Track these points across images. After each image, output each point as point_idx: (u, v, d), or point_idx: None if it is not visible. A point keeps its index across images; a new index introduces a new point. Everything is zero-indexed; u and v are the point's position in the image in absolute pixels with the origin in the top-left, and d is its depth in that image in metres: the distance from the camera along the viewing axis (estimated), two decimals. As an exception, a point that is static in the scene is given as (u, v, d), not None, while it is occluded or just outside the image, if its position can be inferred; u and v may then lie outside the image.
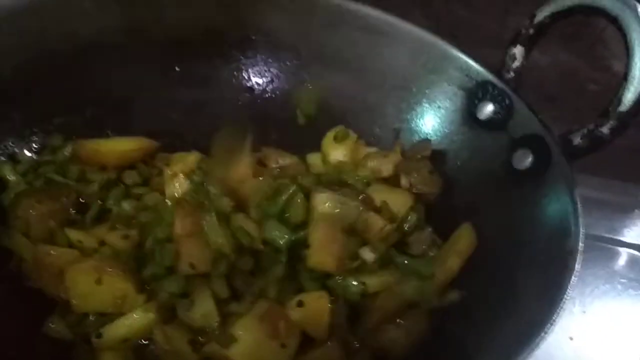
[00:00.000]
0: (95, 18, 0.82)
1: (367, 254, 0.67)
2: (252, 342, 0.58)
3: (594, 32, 1.42)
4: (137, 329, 0.62)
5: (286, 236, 0.65)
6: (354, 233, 0.68)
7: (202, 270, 0.63)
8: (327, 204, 0.66)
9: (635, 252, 1.02)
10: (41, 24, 0.78)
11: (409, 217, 0.73)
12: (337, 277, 0.66)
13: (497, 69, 0.79)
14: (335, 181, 0.75)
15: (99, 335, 0.61)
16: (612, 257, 1.01)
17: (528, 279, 0.63)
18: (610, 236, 1.04)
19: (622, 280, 0.98)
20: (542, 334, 0.53)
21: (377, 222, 0.69)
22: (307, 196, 0.68)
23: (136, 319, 0.62)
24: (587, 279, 0.96)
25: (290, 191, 0.67)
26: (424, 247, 0.71)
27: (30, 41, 0.77)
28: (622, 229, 1.06)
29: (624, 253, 1.02)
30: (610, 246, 1.02)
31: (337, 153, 0.84)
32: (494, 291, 0.66)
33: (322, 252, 0.64)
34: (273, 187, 0.68)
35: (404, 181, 0.78)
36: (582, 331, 0.89)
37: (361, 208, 0.68)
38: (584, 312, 0.92)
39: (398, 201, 0.73)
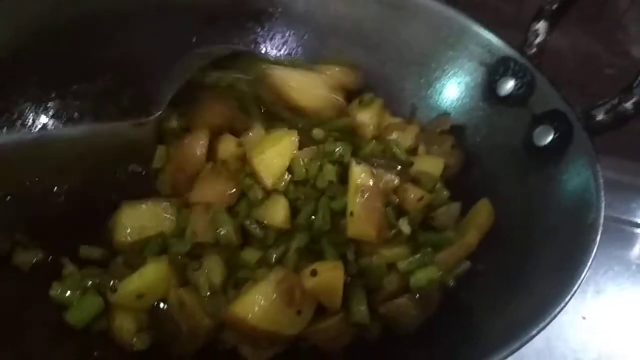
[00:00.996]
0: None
1: (405, 226, 0.66)
2: (268, 307, 0.58)
3: (613, 16, 1.40)
4: (149, 283, 0.62)
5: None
6: (392, 204, 0.68)
7: (205, 240, 0.64)
8: (363, 175, 0.65)
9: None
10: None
11: (443, 191, 0.72)
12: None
13: (519, 45, 0.78)
14: (377, 152, 0.74)
15: (114, 289, 0.62)
16: (627, 239, 1.00)
17: (547, 254, 0.62)
18: (627, 218, 1.02)
19: (638, 262, 0.97)
20: (558, 309, 0.53)
21: (414, 193, 0.68)
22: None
23: (149, 272, 0.62)
24: (602, 260, 0.96)
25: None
26: (450, 220, 0.70)
27: (47, 9, 0.76)
28: (638, 211, 1.04)
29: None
30: (626, 228, 1.01)
31: (362, 115, 0.82)
32: (511, 265, 0.66)
33: (363, 222, 0.63)
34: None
35: (421, 151, 0.77)
36: (595, 311, 0.89)
37: (397, 181, 0.67)
38: (598, 292, 0.92)
39: (432, 169, 0.73)
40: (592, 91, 1.28)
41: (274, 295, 0.59)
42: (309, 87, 0.77)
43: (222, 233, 0.64)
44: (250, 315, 0.58)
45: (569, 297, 0.52)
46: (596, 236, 0.56)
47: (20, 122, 0.74)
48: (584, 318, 0.87)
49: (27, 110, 0.75)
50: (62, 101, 0.78)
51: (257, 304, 0.58)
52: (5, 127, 0.72)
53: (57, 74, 0.77)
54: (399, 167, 0.70)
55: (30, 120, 0.75)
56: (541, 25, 0.77)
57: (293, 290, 0.59)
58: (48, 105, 0.76)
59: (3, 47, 0.72)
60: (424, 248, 0.66)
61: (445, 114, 0.83)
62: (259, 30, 0.91)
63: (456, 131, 0.82)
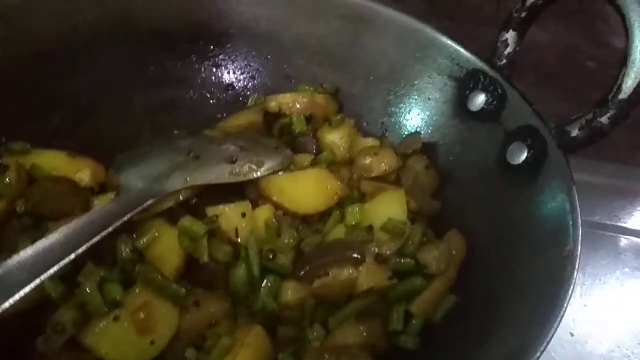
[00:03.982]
0: (62, 17, 0.78)
1: None
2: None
3: (593, 8, 1.38)
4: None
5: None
6: None
7: None
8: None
9: (638, 239, 0.98)
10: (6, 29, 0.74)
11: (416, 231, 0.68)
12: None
13: (489, 57, 0.74)
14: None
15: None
16: (613, 245, 0.97)
17: (526, 280, 0.59)
18: (611, 223, 0.99)
19: (625, 270, 0.94)
20: (543, 339, 0.50)
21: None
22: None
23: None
24: (587, 270, 0.92)
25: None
26: (440, 265, 0.66)
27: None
28: (624, 215, 1.01)
29: (626, 240, 0.98)
30: (610, 234, 0.98)
31: (332, 136, 0.80)
32: (490, 295, 0.63)
33: None
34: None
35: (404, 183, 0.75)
36: (584, 326, 0.85)
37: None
38: (585, 305, 0.89)
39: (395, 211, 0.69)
40: (573, 86, 1.25)
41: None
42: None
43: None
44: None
45: (546, 341, 0.48)
46: (573, 270, 0.53)
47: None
48: (571, 334, 0.84)
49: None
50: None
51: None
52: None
53: (3, 117, 0.73)
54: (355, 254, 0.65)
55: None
56: (510, 35, 0.73)
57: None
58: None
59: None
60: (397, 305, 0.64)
61: (416, 133, 0.80)
62: (220, 52, 0.87)
63: (428, 150, 0.78)
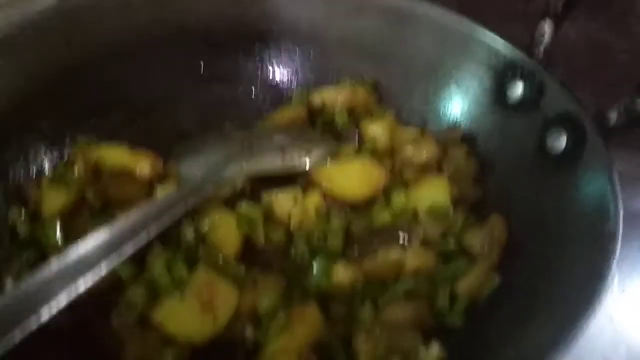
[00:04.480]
0: (116, 20, 0.83)
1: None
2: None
3: (624, 1, 1.38)
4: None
5: None
6: None
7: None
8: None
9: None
10: (65, 32, 0.79)
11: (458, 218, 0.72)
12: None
13: (527, 46, 0.77)
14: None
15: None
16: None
17: (567, 264, 0.61)
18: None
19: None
20: (583, 323, 0.52)
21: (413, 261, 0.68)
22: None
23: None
24: (625, 256, 0.93)
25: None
26: (484, 247, 0.69)
27: (55, 51, 0.78)
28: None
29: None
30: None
31: (374, 128, 0.82)
32: (532, 278, 0.65)
33: None
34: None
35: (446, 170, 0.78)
36: (623, 311, 0.87)
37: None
38: (624, 290, 0.90)
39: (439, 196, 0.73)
40: (605, 79, 1.26)
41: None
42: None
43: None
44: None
45: (590, 312, 0.51)
46: (615, 247, 0.55)
47: (35, 166, 0.76)
48: (611, 319, 0.86)
49: (42, 153, 0.76)
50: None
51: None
52: (22, 172, 0.74)
53: (69, 115, 0.78)
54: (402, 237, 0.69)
55: (47, 163, 0.76)
56: (547, 25, 0.76)
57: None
58: (64, 145, 0.78)
59: (16, 94, 0.73)
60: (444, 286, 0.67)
61: (455, 125, 0.83)
62: (265, 50, 0.91)
63: (469, 139, 0.81)
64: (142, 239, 0.61)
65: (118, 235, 0.60)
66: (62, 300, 0.53)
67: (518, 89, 0.77)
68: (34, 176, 0.75)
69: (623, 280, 0.91)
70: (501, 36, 0.79)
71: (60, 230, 0.68)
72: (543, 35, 0.75)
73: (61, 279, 0.54)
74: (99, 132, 0.80)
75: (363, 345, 0.61)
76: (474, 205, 0.76)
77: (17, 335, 0.49)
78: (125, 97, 0.83)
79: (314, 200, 0.71)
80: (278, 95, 0.91)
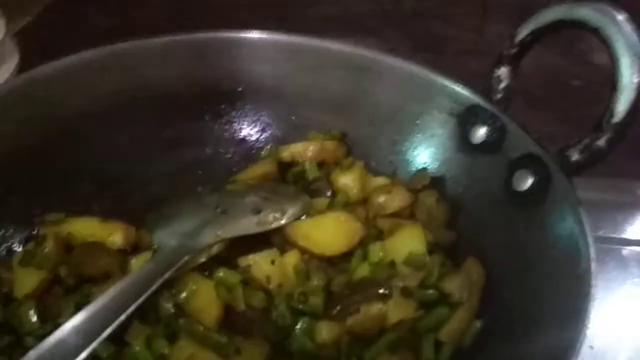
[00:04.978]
0: (77, 90, 0.83)
1: None
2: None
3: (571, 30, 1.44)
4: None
5: None
6: None
7: None
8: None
9: (640, 249, 1.01)
10: (23, 107, 0.78)
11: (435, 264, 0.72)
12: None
13: (486, 91, 0.79)
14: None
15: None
16: (620, 257, 1.01)
17: (544, 304, 0.62)
18: (616, 236, 1.03)
19: (635, 280, 0.98)
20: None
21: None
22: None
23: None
24: (599, 283, 0.95)
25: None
26: (463, 293, 0.69)
27: (15, 127, 0.78)
28: (627, 227, 1.05)
29: (633, 252, 1.02)
30: (617, 246, 1.02)
31: (344, 179, 0.83)
32: (509, 319, 0.66)
33: None
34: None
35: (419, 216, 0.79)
36: (601, 339, 0.88)
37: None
38: (601, 317, 0.91)
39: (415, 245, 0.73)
40: (562, 106, 1.31)
41: None
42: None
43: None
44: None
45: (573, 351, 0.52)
46: (589, 288, 0.57)
47: (4, 247, 0.74)
48: (591, 347, 0.87)
49: (11, 233, 0.75)
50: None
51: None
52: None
53: (35, 192, 0.77)
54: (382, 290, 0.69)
55: (16, 243, 0.75)
56: (503, 71, 0.79)
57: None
58: (32, 223, 0.77)
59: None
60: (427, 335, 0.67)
61: (423, 169, 0.84)
62: (231, 109, 0.92)
63: (437, 184, 0.83)
64: (119, 317, 0.59)
65: (95, 316, 0.59)
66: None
67: (481, 132, 0.79)
68: (5, 256, 0.74)
69: (598, 307, 0.93)
70: (460, 81, 0.82)
71: (35, 312, 0.67)
72: (500, 81, 0.78)
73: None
74: (68, 205, 0.78)
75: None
76: (448, 250, 0.77)
77: None
78: (93, 168, 0.83)
79: (291, 260, 0.71)
80: (247, 153, 0.92)
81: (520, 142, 0.74)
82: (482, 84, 0.79)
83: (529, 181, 0.72)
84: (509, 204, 0.74)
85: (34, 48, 1.25)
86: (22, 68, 1.14)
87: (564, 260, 0.62)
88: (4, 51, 1.14)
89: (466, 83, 0.81)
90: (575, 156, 0.69)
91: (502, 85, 0.79)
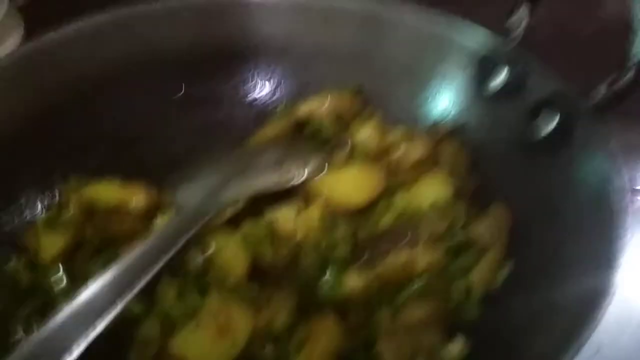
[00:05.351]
0: (89, 54, 0.82)
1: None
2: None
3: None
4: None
5: None
6: None
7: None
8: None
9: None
10: (40, 72, 0.78)
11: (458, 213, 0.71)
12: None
13: (505, 31, 0.77)
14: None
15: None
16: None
17: (577, 244, 0.61)
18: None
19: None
20: (602, 304, 0.52)
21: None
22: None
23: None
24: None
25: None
26: (490, 236, 0.69)
27: (29, 94, 0.77)
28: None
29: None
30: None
31: (363, 131, 0.82)
32: (539, 263, 0.65)
33: None
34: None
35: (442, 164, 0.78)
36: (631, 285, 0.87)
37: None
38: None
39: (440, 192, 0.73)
40: (575, 58, 1.29)
41: None
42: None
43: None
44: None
45: (609, 292, 0.51)
46: (624, 221, 0.56)
47: (28, 212, 0.74)
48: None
49: (33, 198, 0.75)
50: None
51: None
52: (15, 219, 0.72)
53: (56, 156, 0.77)
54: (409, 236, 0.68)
55: (40, 207, 0.75)
56: (523, 10, 0.76)
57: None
58: (54, 187, 0.76)
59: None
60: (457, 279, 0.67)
61: (444, 117, 0.83)
62: (244, 67, 0.91)
63: (458, 132, 0.81)
64: (148, 274, 0.59)
65: (125, 272, 0.59)
66: (79, 345, 0.51)
67: (502, 76, 0.77)
68: (28, 222, 0.73)
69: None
70: (478, 24, 0.80)
71: (64, 273, 0.67)
72: (520, 20, 0.76)
73: (75, 324, 0.53)
74: (89, 168, 0.78)
75: (387, 348, 0.61)
76: (473, 196, 0.76)
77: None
78: (109, 130, 0.82)
79: (316, 211, 0.71)
80: (262, 111, 0.91)
81: (543, 82, 0.72)
82: (502, 25, 0.77)
83: (555, 121, 0.70)
84: (535, 148, 0.72)
85: (38, 22, 1.24)
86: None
87: (595, 200, 0.61)
88: (10, 24, 1.13)
89: (485, 26, 0.79)
90: (601, 92, 0.67)
91: (523, 24, 0.76)
